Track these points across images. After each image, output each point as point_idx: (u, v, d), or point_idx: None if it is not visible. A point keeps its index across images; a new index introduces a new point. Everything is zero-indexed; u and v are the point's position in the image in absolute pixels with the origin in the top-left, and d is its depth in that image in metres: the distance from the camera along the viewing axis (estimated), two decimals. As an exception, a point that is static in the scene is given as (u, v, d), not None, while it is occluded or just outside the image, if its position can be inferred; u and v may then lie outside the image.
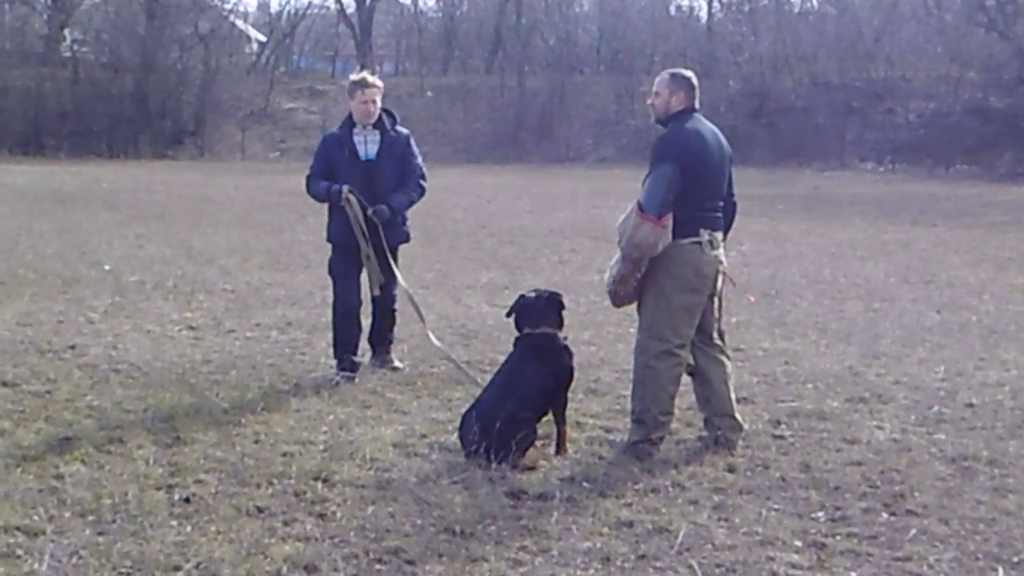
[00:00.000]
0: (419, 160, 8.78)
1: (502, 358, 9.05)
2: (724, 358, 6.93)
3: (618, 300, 6.81)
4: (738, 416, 6.90)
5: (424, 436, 6.90)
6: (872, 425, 7.34)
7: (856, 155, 41.36)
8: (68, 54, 48.26)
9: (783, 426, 7.30)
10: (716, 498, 5.89)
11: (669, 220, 6.48)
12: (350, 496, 5.80)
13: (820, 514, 5.69)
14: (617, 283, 6.68)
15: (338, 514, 5.55)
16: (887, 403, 7.93)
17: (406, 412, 7.50)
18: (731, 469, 6.37)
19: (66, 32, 49.16)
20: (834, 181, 34.33)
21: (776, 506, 5.79)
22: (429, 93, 50.30)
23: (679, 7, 56.94)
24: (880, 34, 47.53)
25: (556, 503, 5.73)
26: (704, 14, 55.67)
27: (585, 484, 6.04)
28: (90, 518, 5.43)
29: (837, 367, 9.09)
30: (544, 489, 5.92)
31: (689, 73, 6.91)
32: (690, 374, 6.86)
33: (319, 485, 5.94)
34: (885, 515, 5.68)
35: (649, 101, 6.89)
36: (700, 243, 6.62)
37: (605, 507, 5.71)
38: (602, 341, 10.03)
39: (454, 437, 6.76)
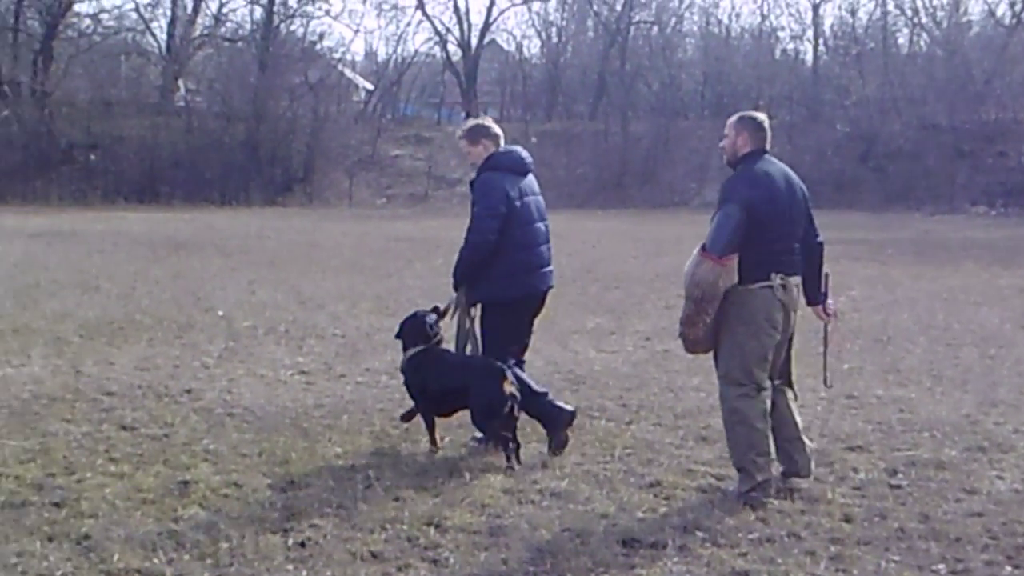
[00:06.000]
0: (478, 208, 7.80)
1: (610, 404, 9.08)
2: (788, 390, 6.85)
3: (688, 344, 6.74)
4: (805, 438, 6.82)
5: (535, 482, 6.90)
6: (992, 475, 7.18)
7: (967, 199, 40.65)
8: (182, 104, 49.44)
9: (900, 475, 7.16)
10: (833, 548, 5.79)
11: (732, 261, 6.42)
12: (463, 542, 5.82)
13: (941, 566, 5.56)
14: (684, 325, 6.63)
15: (451, 560, 5.57)
16: (1007, 452, 7.75)
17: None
18: (848, 519, 6.26)
19: (180, 82, 50.40)
20: (944, 225, 33.74)
21: (895, 557, 5.68)
22: (533, 139, 50.46)
23: (784, 51, 56.52)
24: (991, 76, 46.77)
25: (669, 551, 5.68)
26: (809, 57, 55.28)
27: (699, 533, 5.98)
28: (208, 561, 5.52)
29: (954, 415, 8.91)
30: (657, 538, 5.87)
31: (757, 114, 6.84)
32: None
33: (432, 531, 5.97)
34: (1009, 568, 5.55)
35: (720, 144, 6.84)
36: (771, 287, 6.53)
37: (720, 556, 5.65)
38: (711, 387, 9.85)
39: (565, 483, 6.75)
